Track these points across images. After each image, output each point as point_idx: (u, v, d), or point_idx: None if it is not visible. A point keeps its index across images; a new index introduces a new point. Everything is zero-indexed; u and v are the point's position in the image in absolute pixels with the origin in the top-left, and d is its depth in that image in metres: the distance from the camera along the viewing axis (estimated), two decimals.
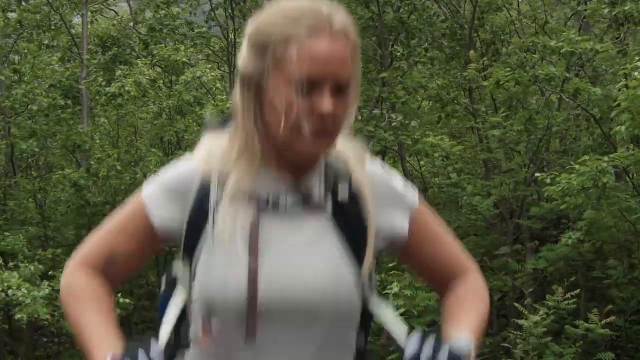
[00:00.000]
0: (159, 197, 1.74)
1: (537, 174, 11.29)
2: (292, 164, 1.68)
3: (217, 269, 1.63)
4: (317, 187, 1.69)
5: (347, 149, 1.73)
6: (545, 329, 9.93)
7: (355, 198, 1.69)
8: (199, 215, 1.68)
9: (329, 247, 1.66)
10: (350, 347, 1.74)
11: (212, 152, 1.71)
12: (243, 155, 1.66)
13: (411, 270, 1.97)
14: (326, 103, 1.57)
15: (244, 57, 1.66)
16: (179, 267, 1.77)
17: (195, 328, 1.70)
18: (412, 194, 1.81)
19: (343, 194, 1.68)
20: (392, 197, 1.76)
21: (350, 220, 1.68)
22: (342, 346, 1.71)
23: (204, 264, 1.65)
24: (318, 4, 1.63)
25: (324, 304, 1.63)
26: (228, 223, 1.63)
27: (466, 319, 1.75)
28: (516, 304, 10.74)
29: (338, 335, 1.68)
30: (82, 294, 1.76)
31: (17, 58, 15.85)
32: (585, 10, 12.78)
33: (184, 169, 1.75)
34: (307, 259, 1.64)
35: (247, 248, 1.62)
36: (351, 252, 1.66)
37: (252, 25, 1.67)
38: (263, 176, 1.68)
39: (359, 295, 1.68)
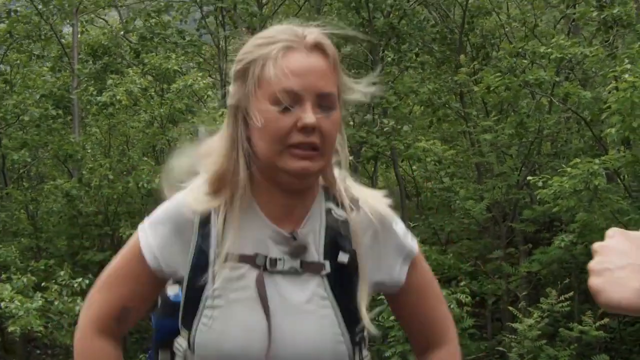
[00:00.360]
0: (157, 242, 1.71)
1: (529, 177, 11.31)
2: (283, 202, 1.66)
3: (232, 325, 1.63)
4: (313, 243, 1.66)
5: (354, 202, 1.71)
6: (540, 332, 9.94)
7: (353, 261, 1.67)
8: (202, 261, 1.67)
9: (325, 306, 1.66)
10: None
11: (200, 190, 1.69)
12: (230, 190, 1.65)
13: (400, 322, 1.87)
14: (308, 115, 1.56)
15: (230, 91, 1.67)
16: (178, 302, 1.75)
17: None
18: (412, 242, 1.78)
19: (342, 259, 1.66)
20: (394, 244, 1.74)
21: (345, 283, 1.67)
22: None
23: (211, 319, 1.64)
24: (293, 25, 1.64)
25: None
26: (232, 281, 1.64)
27: None
28: (510, 307, 10.74)
29: None
30: None
31: (7, 68, 15.81)
32: (574, 13, 12.82)
33: (177, 212, 1.72)
34: (306, 317, 1.65)
35: (259, 306, 1.62)
36: (344, 312, 1.66)
37: (235, 62, 1.69)
38: (256, 226, 1.67)
39: (350, 353, 1.68)
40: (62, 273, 10.70)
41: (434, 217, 15.04)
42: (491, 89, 11.53)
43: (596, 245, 1.29)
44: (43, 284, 10.62)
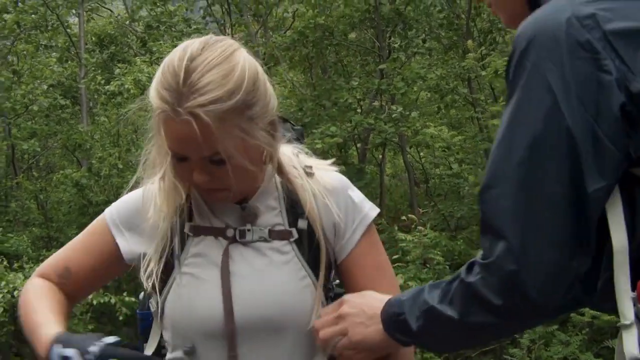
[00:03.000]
0: (123, 224, 1.84)
1: None
2: None
3: (191, 296, 1.73)
4: (272, 215, 1.78)
5: (305, 177, 1.80)
6: None
7: (310, 226, 1.78)
8: (166, 250, 1.78)
9: (291, 268, 1.76)
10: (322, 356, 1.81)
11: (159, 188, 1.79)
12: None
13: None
14: (195, 176, 1.64)
15: None
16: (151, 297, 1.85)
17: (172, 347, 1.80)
18: (368, 209, 1.84)
19: (301, 225, 1.77)
20: (350, 209, 1.81)
21: (311, 247, 1.78)
22: (313, 355, 1.80)
23: (176, 295, 1.74)
24: (176, 67, 1.59)
25: (288, 317, 1.74)
26: (198, 255, 1.77)
27: None
28: None
29: (307, 346, 1.78)
30: (31, 294, 1.87)
31: (15, 59, 15.83)
32: None
33: (137, 202, 1.85)
34: (271, 278, 1.74)
35: (219, 275, 1.72)
36: (311, 270, 1.77)
37: None
38: (216, 208, 1.79)
39: (320, 305, 1.78)
40: None
41: (443, 204, 15.03)
42: (499, 73, 11.48)
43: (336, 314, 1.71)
44: None
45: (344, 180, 1.84)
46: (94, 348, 1.61)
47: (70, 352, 1.62)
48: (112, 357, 1.61)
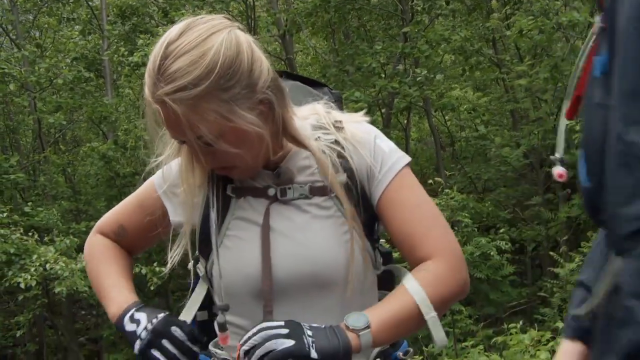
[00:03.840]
0: (168, 188, 1.91)
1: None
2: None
3: (235, 256, 1.77)
4: (307, 173, 1.79)
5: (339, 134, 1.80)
6: None
7: (351, 178, 1.77)
8: (207, 215, 1.82)
9: (332, 222, 1.76)
10: None
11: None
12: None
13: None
14: (195, 156, 1.71)
15: None
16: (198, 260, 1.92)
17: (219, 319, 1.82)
18: (398, 157, 1.80)
19: (341, 179, 1.75)
20: (378, 157, 1.78)
21: (352, 199, 1.76)
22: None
23: (222, 257, 1.78)
24: (155, 55, 1.60)
25: (329, 272, 1.73)
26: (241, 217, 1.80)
27: (381, 306, 1.69)
28: (551, 253, 10.68)
29: (354, 303, 1.74)
30: (99, 253, 2.01)
31: (37, 33, 15.91)
32: None
33: (176, 171, 1.89)
34: (312, 234, 1.75)
35: (259, 234, 1.75)
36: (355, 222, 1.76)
37: None
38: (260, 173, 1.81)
39: (368, 260, 1.79)
40: None
41: (469, 166, 14.98)
42: (524, 32, 11.35)
43: None
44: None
45: (372, 130, 1.82)
46: (160, 315, 1.79)
47: (140, 315, 1.81)
48: (172, 325, 1.78)
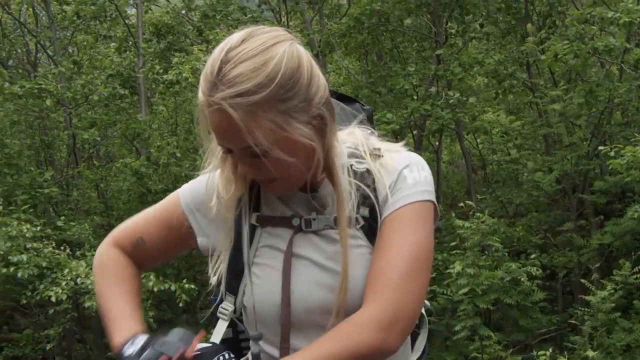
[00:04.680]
0: (194, 205, 1.89)
1: (599, 147, 11.04)
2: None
3: (264, 283, 1.77)
4: (331, 202, 1.76)
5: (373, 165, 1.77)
6: (613, 304, 9.77)
7: (373, 212, 1.75)
8: (232, 242, 1.82)
9: (360, 252, 1.73)
10: None
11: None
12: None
13: None
14: (239, 167, 1.70)
15: None
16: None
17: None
18: (416, 192, 1.75)
19: (363, 213, 1.74)
20: (399, 185, 1.75)
21: (371, 230, 1.74)
22: None
23: (249, 287, 1.78)
24: (214, 60, 1.60)
25: (352, 303, 1.69)
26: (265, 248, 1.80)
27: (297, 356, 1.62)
28: (582, 280, 10.57)
29: None
30: (111, 272, 1.95)
31: (74, 50, 16.09)
32: None
33: (203, 188, 1.87)
34: (339, 265, 1.72)
35: (281, 268, 1.75)
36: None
37: None
38: (284, 198, 1.80)
39: None
40: None
41: (501, 190, 14.89)
42: (559, 57, 11.28)
43: None
44: None
45: (409, 159, 1.78)
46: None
47: (141, 338, 1.76)
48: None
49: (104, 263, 1.96)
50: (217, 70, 1.56)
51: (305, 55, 1.64)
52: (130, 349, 1.72)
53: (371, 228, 1.73)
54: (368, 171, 1.75)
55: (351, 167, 1.76)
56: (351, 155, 1.78)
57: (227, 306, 1.85)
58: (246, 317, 1.82)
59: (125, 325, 1.82)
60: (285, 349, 1.74)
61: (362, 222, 1.73)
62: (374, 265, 1.68)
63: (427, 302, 1.93)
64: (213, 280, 1.89)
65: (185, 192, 1.91)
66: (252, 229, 1.80)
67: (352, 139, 1.82)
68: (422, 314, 1.91)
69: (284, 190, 1.75)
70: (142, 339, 1.74)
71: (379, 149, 1.79)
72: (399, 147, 1.83)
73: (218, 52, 1.59)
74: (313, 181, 1.75)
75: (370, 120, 2.01)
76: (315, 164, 1.69)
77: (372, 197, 1.74)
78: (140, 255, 1.97)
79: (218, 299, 1.94)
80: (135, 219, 2.00)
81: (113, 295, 1.89)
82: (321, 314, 1.71)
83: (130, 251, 1.96)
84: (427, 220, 1.74)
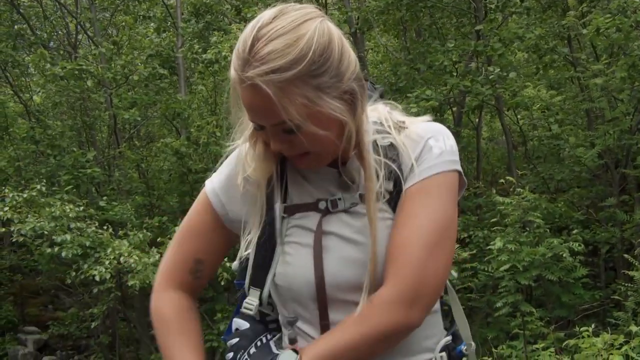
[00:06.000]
0: (223, 195, 1.89)
1: None
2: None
3: (296, 261, 1.77)
4: (359, 176, 1.78)
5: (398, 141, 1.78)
6: None
7: (397, 185, 1.77)
8: (270, 221, 1.82)
9: (386, 225, 1.74)
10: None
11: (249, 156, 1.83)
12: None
13: None
14: (272, 144, 1.69)
15: None
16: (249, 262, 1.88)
17: (282, 318, 1.86)
18: (442, 161, 1.75)
19: (387, 187, 1.75)
20: (424, 155, 1.76)
21: (394, 202, 1.76)
22: None
23: (279, 266, 1.79)
24: (245, 38, 1.61)
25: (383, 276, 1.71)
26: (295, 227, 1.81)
27: (320, 341, 1.67)
28: (625, 255, 10.49)
29: None
30: (170, 321, 1.90)
31: (114, 31, 16.20)
32: None
33: (230, 170, 1.89)
34: (368, 239, 1.73)
35: (312, 245, 1.76)
36: None
37: None
38: (313, 177, 1.82)
39: None
40: (175, 229, 10.96)
41: (542, 166, 14.77)
42: (601, 31, 11.13)
43: None
44: (158, 239, 10.94)
45: (433, 129, 1.79)
46: None
47: None
48: None
49: (161, 315, 1.92)
50: (249, 47, 1.57)
51: (336, 32, 1.66)
52: None
53: (395, 200, 1.75)
54: (392, 145, 1.77)
55: (376, 143, 1.78)
56: (376, 132, 1.80)
57: (251, 301, 1.85)
58: (279, 297, 1.83)
59: None
60: (326, 326, 1.75)
61: (387, 196, 1.75)
62: (395, 237, 1.69)
63: (453, 273, 1.93)
64: (235, 264, 1.92)
65: (212, 185, 1.92)
66: (281, 217, 1.81)
67: (376, 114, 1.83)
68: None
69: (317, 164, 1.76)
70: None
71: (403, 122, 1.80)
72: (423, 119, 1.84)
73: (250, 30, 1.61)
74: (344, 157, 1.77)
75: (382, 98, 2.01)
76: (346, 138, 1.71)
77: (397, 169, 1.75)
78: (202, 276, 1.94)
79: (240, 294, 1.94)
80: (178, 245, 1.95)
81: (176, 351, 1.85)
82: (353, 289, 1.72)
83: (191, 280, 1.93)
84: (452, 191, 1.75)
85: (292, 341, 1.78)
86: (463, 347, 1.91)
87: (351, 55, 1.68)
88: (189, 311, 1.91)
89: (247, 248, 1.84)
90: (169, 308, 1.90)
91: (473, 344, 1.94)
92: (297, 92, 1.58)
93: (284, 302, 1.82)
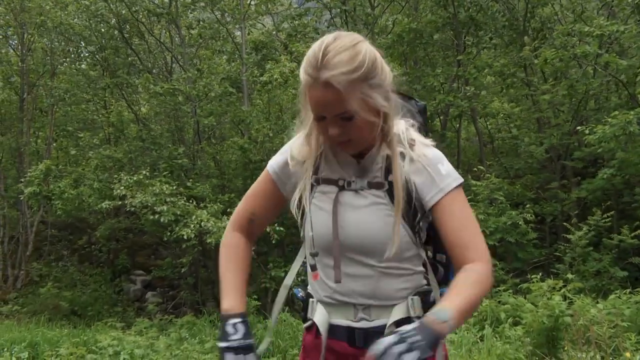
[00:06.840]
0: (279, 171, 1.88)
1: (578, 127, 10.79)
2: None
3: (316, 220, 1.79)
4: (376, 169, 1.77)
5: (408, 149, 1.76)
6: (587, 241, 9.63)
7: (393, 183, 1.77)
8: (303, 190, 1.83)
9: (380, 203, 1.76)
10: (407, 273, 1.80)
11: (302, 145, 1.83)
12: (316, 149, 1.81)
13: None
14: (330, 130, 1.67)
15: None
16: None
17: (308, 269, 1.88)
18: (451, 181, 1.73)
19: (390, 179, 1.75)
20: (435, 177, 1.72)
21: (391, 192, 1.75)
22: (399, 273, 1.78)
23: (308, 220, 1.80)
24: (316, 52, 1.61)
25: (374, 242, 1.74)
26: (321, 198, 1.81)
27: (454, 298, 1.56)
28: (564, 224, 10.42)
29: (393, 266, 1.76)
30: (231, 254, 1.89)
31: (198, 61, 16.22)
32: (613, 0, 12.09)
33: (285, 154, 1.87)
34: (366, 214, 1.76)
35: (331, 210, 1.77)
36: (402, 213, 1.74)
37: None
38: (341, 162, 1.81)
39: (407, 238, 1.75)
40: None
41: (505, 159, 14.66)
42: (548, 61, 11.00)
43: None
44: (228, 210, 10.98)
45: (438, 154, 1.76)
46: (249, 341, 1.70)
47: (240, 327, 1.71)
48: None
49: (227, 245, 1.91)
50: (321, 58, 1.59)
51: (378, 52, 1.69)
52: (235, 335, 1.69)
53: (392, 192, 1.74)
54: (402, 153, 1.75)
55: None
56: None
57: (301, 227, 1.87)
58: (309, 244, 1.82)
59: (232, 296, 1.79)
60: (338, 272, 1.77)
61: (387, 187, 1.75)
62: (464, 232, 1.69)
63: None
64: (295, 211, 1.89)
65: (272, 164, 1.89)
66: (312, 186, 1.82)
67: (397, 127, 1.80)
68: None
69: (354, 149, 1.75)
70: (241, 327, 1.71)
71: (414, 140, 1.77)
72: (429, 142, 1.80)
73: (318, 47, 1.62)
74: (365, 152, 1.77)
75: (422, 113, 1.98)
76: (387, 127, 1.72)
77: (405, 172, 1.75)
78: (255, 227, 1.93)
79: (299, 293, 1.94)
80: (243, 202, 1.94)
81: (228, 272, 1.84)
82: (357, 246, 1.75)
83: (248, 227, 1.92)
84: (465, 197, 1.76)
85: (313, 267, 1.82)
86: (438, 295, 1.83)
87: (388, 68, 1.71)
88: (244, 245, 1.91)
89: (293, 205, 1.84)
90: (229, 240, 1.91)
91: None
92: (358, 89, 1.61)
93: (311, 246, 1.82)
